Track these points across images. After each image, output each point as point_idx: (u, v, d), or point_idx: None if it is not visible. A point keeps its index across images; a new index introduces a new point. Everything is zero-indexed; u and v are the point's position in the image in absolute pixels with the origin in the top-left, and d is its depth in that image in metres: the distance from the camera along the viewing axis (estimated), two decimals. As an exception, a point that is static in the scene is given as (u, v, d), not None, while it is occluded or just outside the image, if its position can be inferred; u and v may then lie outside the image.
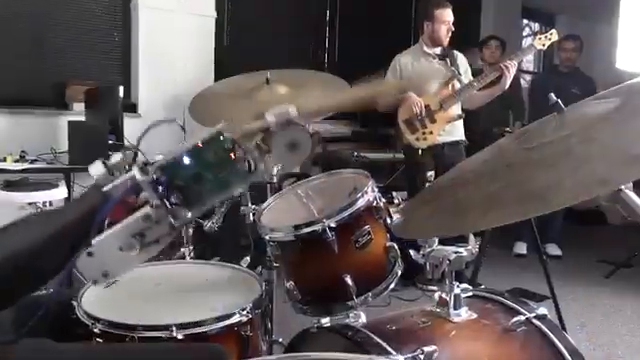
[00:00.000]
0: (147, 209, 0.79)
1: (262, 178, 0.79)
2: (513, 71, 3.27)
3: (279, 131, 0.83)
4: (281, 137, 0.83)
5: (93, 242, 0.79)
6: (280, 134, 0.83)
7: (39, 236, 0.84)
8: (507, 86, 3.32)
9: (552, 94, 0.89)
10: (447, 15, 3.40)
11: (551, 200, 0.74)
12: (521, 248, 4.38)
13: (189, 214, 0.80)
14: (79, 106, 3.63)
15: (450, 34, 3.43)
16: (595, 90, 4.33)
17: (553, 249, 4.39)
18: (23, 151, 3.27)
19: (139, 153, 0.88)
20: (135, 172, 0.80)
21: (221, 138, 0.80)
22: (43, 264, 0.85)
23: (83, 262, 0.80)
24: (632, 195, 0.76)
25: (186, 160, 0.79)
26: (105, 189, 0.83)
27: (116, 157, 0.88)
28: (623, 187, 0.75)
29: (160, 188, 0.78)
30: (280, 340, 1.72)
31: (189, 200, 0.79)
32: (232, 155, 0.80)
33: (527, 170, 0.86)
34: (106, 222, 0.82)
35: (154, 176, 0.79)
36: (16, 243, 0.83)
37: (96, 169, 0.87)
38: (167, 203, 0.78)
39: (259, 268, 1.75)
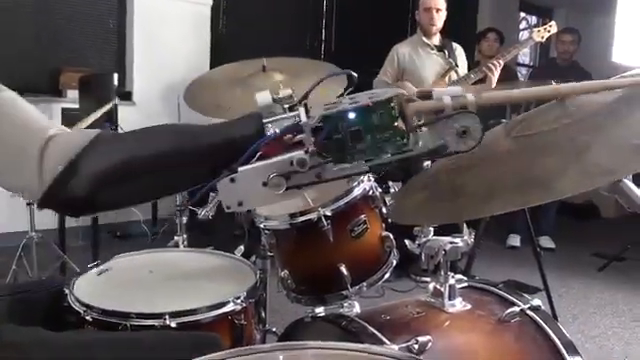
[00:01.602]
0: (302, 153, 0.77)
1: (416, 157, 0.75)
2: (498, 69, 3.26)
3: (454, 115, 0.79)
4: (452, 122, 0.78)
5: (240, 169, 0.78)
6: (452, 118, 0.78)
7: (191, 144, 0.82)
8: (493, 85, 3.32)
9: (553, 82, 0.88)
10: (429, 2, 3.38)
11: (555, 188, 0.73)
12: (515, 240, 4.40)
13: (335, 169, 0.78)
14: (73, 93, 3.60)
15: (440, 23, 3.40)
16: None
17: (546, 242, 4.41)
18: (16, 137, 3.24)
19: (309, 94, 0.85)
20: (300, 113, 0.79)
21: (391, 104, 0.77)
22: (187, 171, 0.83)
23: (224, 186, 0.78)
24: (632, 186, 0.76)
25: (351, 116, 0.77)
26: (265, 121, 0.81)
27: (285, 92, 0.85)
28: (623, 177, 0.74)
29: (319, 136, 0.77)
30: (274, 329, 1.72)
31: (342, 155, 0.77)
32: (396, 124, 0.77)
33: (528, 157, 0.85)
34: (257, 154, 0.79)
35: (318, 121, 0.77)
36: (167, 145, 0.81)
37: (263, 97, 0.83)
38: (322, 152, 0.77)
39: (253, 257, 1.74)
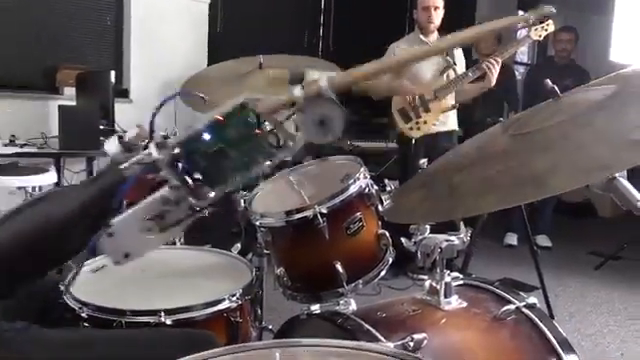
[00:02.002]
0: (165, 190, 0.74)
1: (292, 154, 0.70)
2: (497, 67, 3.25)
3: (308, 105, 0.75)
4: (310, 112, 0.75)
5: (112, 222, 0.76)
6: (309, 108, 0.75)
7: (58, 215, 0.82)
8: (492, 83, 3.31)
9: (548, 80, 0.88)
10: (427, 0, 3.37)
11: (549, 184, 0.73)
12: (512, 239, 4.41)
13: (212, 193, 0.75)
14: (70, 90, 3.59)
15: (437, 21, 3.39)
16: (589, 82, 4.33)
17: (543, 240, 4.41)
18: (13, 135, 3.23)
19: (155, 129, 0.81)
20: (152, 149, 0.75)
21: (244, 112, 0.74)
22: (62, 243, 0.83)
23: (104, 242, 0.77)
24: (626, 184, 0.76)
25: (207, 136, 0.73)
26: (122, 167, 0.79)
27: (132, 132, 0.84)
28: (617, 175, 0.75)
29: (180, 166, 0.73)
30: (270, 327, 1.72)
31: (211, 178, 0.74)
32: (256, 130, 0.74)
33: (523, 155, 0.85)
34: (125, 201, 0.78)
35: (173, 153, 0.73)
36: (35, 222, 0.82)
37: (111, 146, 0.83)
38: (187, 182, 0.73)
39: (250, 255, 1.74)
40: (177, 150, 0.74)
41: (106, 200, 0.78)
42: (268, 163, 0.76)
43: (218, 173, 0.74)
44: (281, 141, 0.75)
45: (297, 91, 0.77)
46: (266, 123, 0.75)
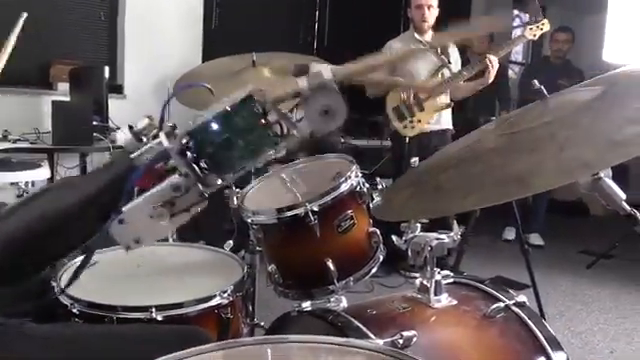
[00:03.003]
0: (175, 177, 0.77)
1: (296, 143, 0.74)
2: (496, 65, 3.27)
3: (312, 96, 0.79)
4: (314, 102, 0.79)
5: (123, 210, 0.78)
6: (313, 99, 0.79)
7: (70, 202, 0.83)
8: (490, 81, 3.32)
9: (535, 80, 0.89)
10: None
11: (532, 183, 0.74)
12: (510, 234, 4.44)
13: (219, 180, 0.79)
14: (63, 86, 3.57)
15: (431, 20, 3.40)
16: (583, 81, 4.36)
17: (536, 239, 4.44)
18: (6, 131, 3.21)
19: (166, 118, 0.84)
20: (162, 139, 0.78)
21: (251, 103, 0.77)
22: (74, 230, 0.84)
23: (115, 229, 0.79)
24: (611, 183, 0.77)
25: (214, 125, 0.77)
26: (132, 156, 0.81)
27: (143, 122, 0.85)
28: (602, 175, 0.75)
29: (188, 155, 0.77)
30: (262, 324, 1.72)
31: (219, 166, 0.77)
32: (262, 120, 0.77)
33: (509, 154, 0.86)
34: (136, 189, 0.81)
35: (182, 142, 0.77)
36: (47, 209, 0.83)
37: (123, 135, 0.85)
38: (196, 170, 0.77)
39: (242, 252, 1.74)
40: (186, 139, 0.77)
41: (117, 188, 0.80)
42: (272, 152, 0.79)
43: (225, 161, 0.77)
44: (285, 131, 0.78)
45: (302, 82, 0.80)
46: (271, 113, 0.79)
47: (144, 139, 0.83)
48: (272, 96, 0.79)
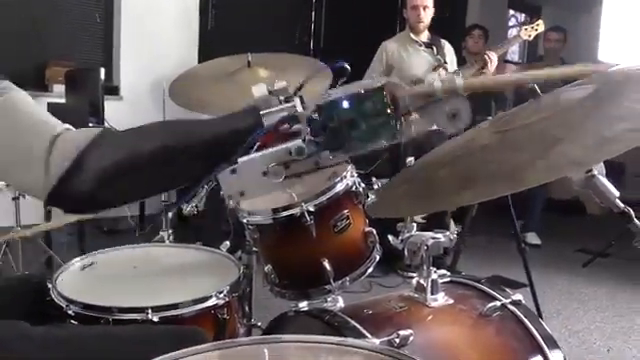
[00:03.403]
0: (299, 142, 0.80)
1: (403, 139, 0.77)
2: (494, 63, 3.28)
3: (445, 98, 0.83)
4: (443, 105, 0.83)
5: (239, 160, 0.81)
6: (442, 102, 0.83)
7: (191, 139, 0.84)
8: None
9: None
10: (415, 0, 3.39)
11: (521, 180, 0.75)
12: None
13: (334, 156, 0.82)
14: (59, 88, 3.57)
15: (427, 20, 3.41)
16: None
17: (533, 238, 4.46)
18: (1, 132, 3.20)
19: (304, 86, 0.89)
20: (296, 103, 0.82)
21: (383, 91, 0.80)
22: (187, 167, 0.84)
23: (225, 177, 0.82)
24: (604, 181, 0.77)
25: (345, 104, 0.80)
26: (262, 112, 0.83)
27: (280, 84, 0.88)
28: (596, 173, 0.76)
29: (315, 125, 0.80)
30: (259, 324, 1.72)
31: (338, 143, 0.81)
32: (389, 110, 0.80)
33: (501, 152, 0.87)
34: (256, 145, 0.83)
35: (312, 111, 0.80)
36: (168, 140, 0.83)
37: (259, 90, 0.87)
38: (319, 141, 0.80)
39: (239, 252, 1.74)
40: (316, 109, 0.81)
41: (239, 139, 0.81)
42: (386, 142, 0.82)
43: (344, 140, 0.80)
44: (403, 127, 0.82)
45: (437, 83, 0.84)
46: (398, 105, 0.82)
47: (277, 100, 0.86)
48: (405, 91, 0.83)
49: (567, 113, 0.81)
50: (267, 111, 0.83)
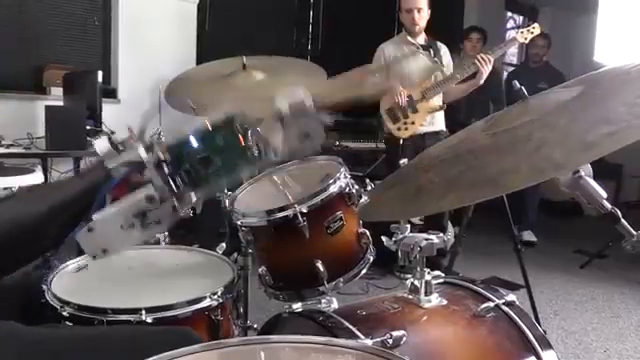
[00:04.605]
0: (150, 190, 0.78)
1: (273, 164, 0.75)
2: (489, 66, 3.28)
3: (293, 119, 0.81)
4: (294, 126, 0.81)
5: (94, 218, 0.79)
6: (294, 123, 0.81)
7: (41, 207, 0.83)
8: (482, 81, 3.34)
9: (516, 81, 0.90)
10: (409, 3, 3.39)
11: (505, 184, 0.76)
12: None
13: (194, 197, 0.80)
14: (57, 90, 3.57)
15: (422, 22, 3.41)
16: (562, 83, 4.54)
17: (529, 236, 4.57)
18: (-1, 136, 3.21)
19: (145, 131, 0.85)
20: (140, 151, 0.79)
21: (232, 122, 0.79)
22: (43, 235, 0.84)
23: (83, 236, 0.79)
24: (591, 182, 0.78)
25: (194, 142, 0.78)
26: (109, 166, 0.82)
27: (122, 134, 0.87)
28: (583, 174, 0.76)
29: (165, 169, 0.78)
30: (255, 326, 1.72)
31: (194, 183, 0.79)
32: (241, 140, 0.79)
33: (487, 155, 0.88)
34: (109, 199, 0.81)
35: (159, 156, 0.78)
36: (18, 212, 0.83)
37: (101, 144, 0.85)
38: (171, 185, 0.78)
39: (234, 254, 1.74)
40: (164, 153, 0.78)
41: (90, 196, 0.80)
42: (248, 172, 0.82)
43: (202, 178, 0.78)
44: (263, 151, 0.80)
45: (283, 104, 0.81)
46: (250, 133, 0.80)
47: (122, 149, 0.84)
48: (253, 117, 0.80)
49: (553, 116, 0.82)
50: (114, 163, 0.81)
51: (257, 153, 0.80)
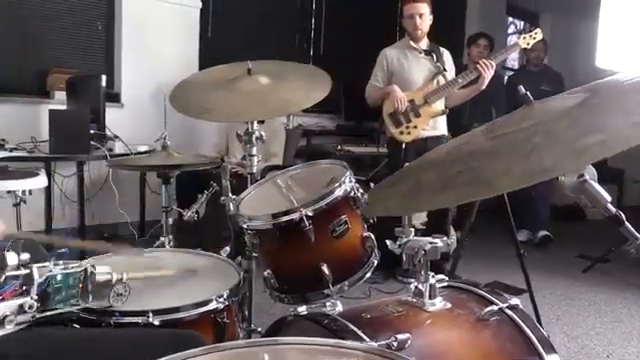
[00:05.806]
0: (28, 299, 1.03)
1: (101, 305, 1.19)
2: (491, 71, 3.29)
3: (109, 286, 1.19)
4: (111, 289, 1.20)
5: None
6: (111, 286, 1.19)
7: None
8: (484, 86, 3.34)
9: (521, 86, 0.90)
10: (411, 9, 3.40)
11: (496, 185, 0.77)
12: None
13: (48, 312, 1.07)
14: (61, 94, 3.59)
15: (425, 27, 3.42)
16: (563, 84, 4.63)
17: (543, 232, 4.72)
18: (3, 139, 3.22)
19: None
20: (34, 273, 1.05)
21: (80, 272, 1.11)
22: None
23: None
24: (596, 185, 0.78)
25: (59, 277, 1.09)
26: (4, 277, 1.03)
27: (24, 257, 1.07)
28: (588, 178, 0.77)
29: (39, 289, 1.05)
30: (259, 329, 1.73)
31: (45, 302, 1.06)
32: (80, 286, 1.11)
33: (485, 157, 0.88)
34: None
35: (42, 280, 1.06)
36: None
37: (11, 257, 1.05)
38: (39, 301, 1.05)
39: (239, 258, 1.75)
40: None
41: None
42: (74, 309, 1.11)
43: (50, 300, 1.07)
44: (90, 296, 1.13)
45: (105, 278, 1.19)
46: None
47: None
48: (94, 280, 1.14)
49: (553, 122, 0.83)
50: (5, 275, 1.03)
51: (82, 299, 1.11)
